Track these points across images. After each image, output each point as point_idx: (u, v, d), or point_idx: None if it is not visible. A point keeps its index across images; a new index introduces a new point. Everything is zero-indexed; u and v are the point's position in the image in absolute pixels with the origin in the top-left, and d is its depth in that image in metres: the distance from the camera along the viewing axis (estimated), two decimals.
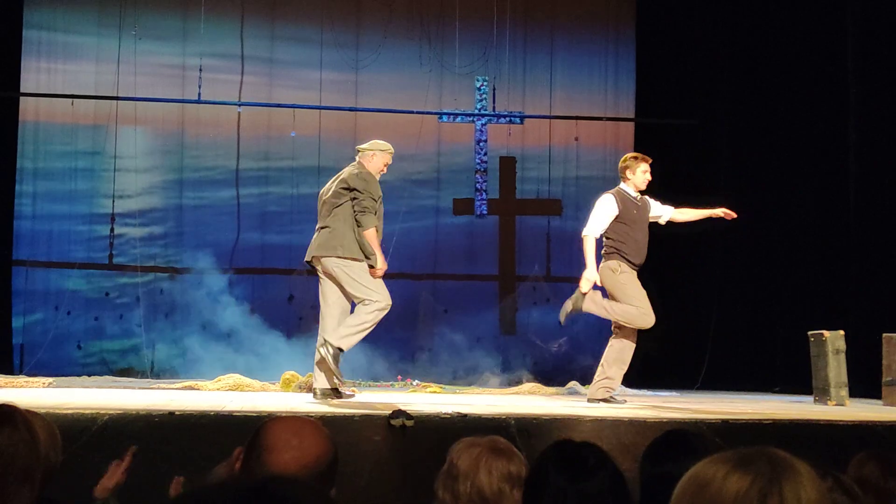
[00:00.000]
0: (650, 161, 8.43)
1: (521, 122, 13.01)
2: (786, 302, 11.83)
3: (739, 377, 11.49)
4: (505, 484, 2.77)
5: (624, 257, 8.18)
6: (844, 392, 8.93)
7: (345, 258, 7.78)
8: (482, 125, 12.99)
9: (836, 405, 8.77)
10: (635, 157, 8.46)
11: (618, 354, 8.28)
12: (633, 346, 8.30)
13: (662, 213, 8.54)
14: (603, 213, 8.29)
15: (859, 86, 11.28)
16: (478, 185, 12.91)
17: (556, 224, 12.96)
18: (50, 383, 9.40)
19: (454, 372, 11.76)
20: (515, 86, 12.97)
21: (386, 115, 12.69)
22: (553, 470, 2.54)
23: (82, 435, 5.40)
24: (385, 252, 11.35)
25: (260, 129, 12.64)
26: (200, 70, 12.41)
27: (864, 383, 9.59)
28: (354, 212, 7.79)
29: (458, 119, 12.97)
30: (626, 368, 8.34)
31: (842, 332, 9.10)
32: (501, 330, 12.73)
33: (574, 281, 12.77)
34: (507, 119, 12.99)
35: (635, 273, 8.23)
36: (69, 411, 5.83)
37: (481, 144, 12.96)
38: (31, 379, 9.63)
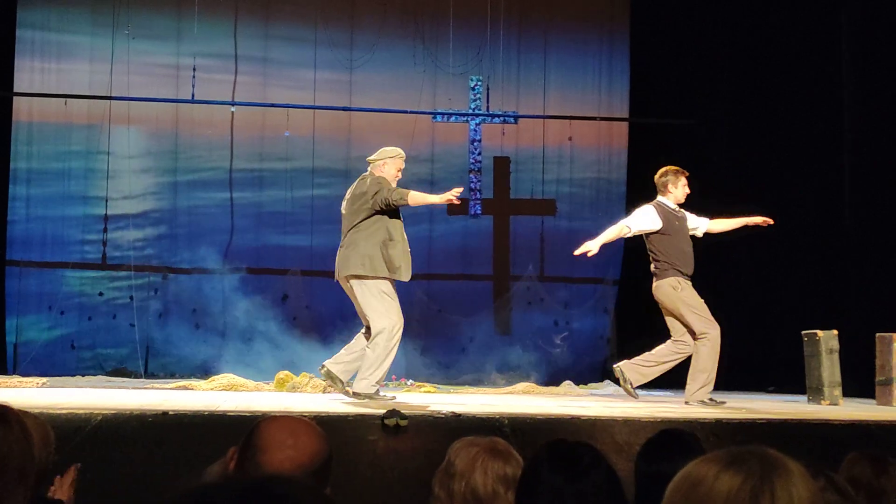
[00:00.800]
0: (688, 174, 8.51)
1: (515, 122, 13.01)
2: (780, 301, 11.84)
3: (733, 376, 11.49)
4: (500, 485, 2.76)
5: (679, 271, 8.29)
6: (838, 391, 8.94)
7: (360, 277, 7.71)
8: (476, 125, 12.99)
9: (829, 405, 8.78)
10: (676, 171, 8.56)
11: (706, 359, 8.29)
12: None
13: (699, 224, 8.67)
14: (643, 219, 8.45)
15: (854, 86, 11.29)
16: (472, 184, 12.91)
17: (550, 224, 12.97)
18: (43, 383, 9.38)
19: (448, 371, 11.77)
20: (509, 85, 12.98)
21: (380, 115, 12.69)
22: (547, 469, 2.54)
23: (76, 435, 5.40)
24: None
25: (254, 129, 12.62)
26: (194, 70, 12.40)
27: (858, 383, 9.60)
28: (391, 203, 7.69)
29: (453, 119, 12.97)
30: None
31: (835, 332, 9.12)
32: (496, 330, 12.73)
33: (569, 281, 12.87)
34: (501, 119, 12.99)
35: (690, 283, 8.28)
36: (63, 411, 5.82)
37: (475, 144, 12.96)
38: (24, 379, 9.61)
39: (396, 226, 7.79)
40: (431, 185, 12.77)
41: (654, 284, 8.40)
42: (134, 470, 5.23)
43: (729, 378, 11.44)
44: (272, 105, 12.57)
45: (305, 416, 2.56)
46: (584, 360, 12.24)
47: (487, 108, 12.95)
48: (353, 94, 12.77)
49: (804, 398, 9.27)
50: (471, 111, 12.97)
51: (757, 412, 7.39)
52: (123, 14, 12.32)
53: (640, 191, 12.80)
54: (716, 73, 12.59)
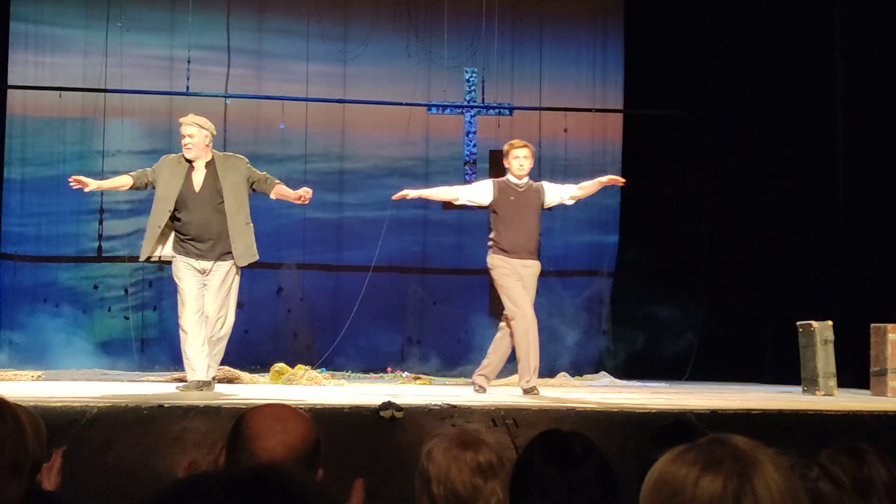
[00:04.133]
0: (526, 146, 8.38)
1: (510, 114, 12.99)
2: (775, 292, 11.85)
3: (728, 368, 11.52)
4: (477, 478, 2.71)
5: (500, 249, 8.19)
6: (833, 382, 8.97)
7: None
8: (471, 117, 12.97)
9: (824, 395, 8.80)
10: (510, 145, 8.47)
11: (496, 345, 8.31)
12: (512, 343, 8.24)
13: (563, 194, 8.46)
14: (474, 190, 8.48)
15: (848, 77, 11.30)
16: (467, 177, 12.89)
17: (546, 216, 12.94)
18: (38, 376, 9.38)
19: (444, 364, 11.77)
20: (504, 77, 12.95)
21: (374, 107, 12.66)
22: (539, 459, 2.54)
23: (71, 427, 5.40)
24: (374, 243, 11.36)
25: (248, 121, 12.60)
26: (189, 62, 12.37)
27: (853, 373, 9.63)
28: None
29: (447, 111, 12.95)
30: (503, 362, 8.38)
31: (830, 323, 9.14)
32: (491, 322, 12.72)
33: (564, 275, 12.86)
34: (496, 111, 12.97)
35: (514, 266, 8.17)
36: (58, 404, 5.82)
37: (470, 136, 12.94)
38: (19, 372, 9.60)
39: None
40: (426, 177, 12.76)
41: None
42: (129, 462, 5.23)
43: (723, 369, 11.50)
44: (266, 97, 12.55)
45: (301, 408, 2.56)
46: (580, 352, 12.24)
47: (482, 99, 12.92)
48: (346, 86, 12.74)
49: (799, 389, 9.29)
50: (465, 103, 12.95)
51: (752, 402, 7.40)
52: (116, 6, 12.28)
53: (635, 182, 12.83)
54: (710, 65, 12.59)
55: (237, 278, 7.77)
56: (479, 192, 8.37)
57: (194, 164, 7.75)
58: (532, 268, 8.22)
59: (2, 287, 12.00)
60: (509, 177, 8.36)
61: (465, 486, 2.68)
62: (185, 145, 7.74)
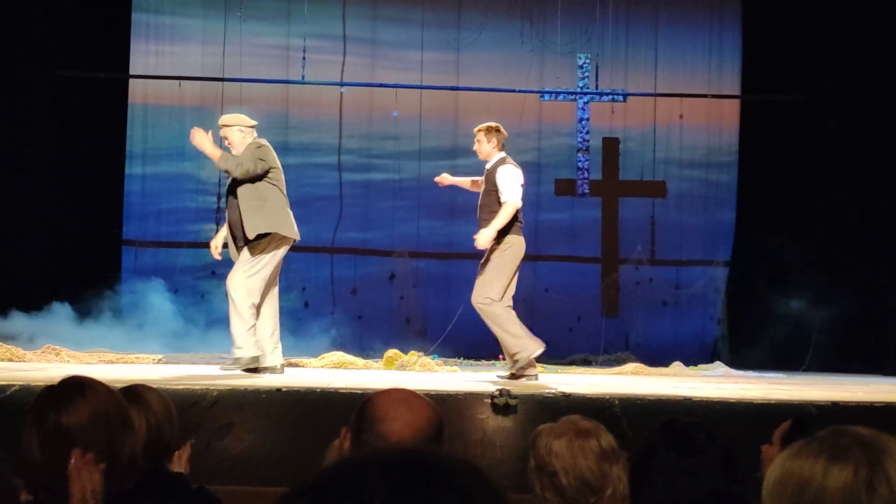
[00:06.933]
0: (479, 129, 8.39)
1: (624, 101, 12.85)
2: (893, 281, 11.53)
3: (848, 358, 11.24)
4: (604, 464, 2.73)
5: None
6: None
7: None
8: (584, 103, 12.86)
9: None
10: None
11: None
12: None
13: None
14: None
15: None
16: (580, 164, 12.80)
17: (661, 205, 12.80)
18: (159, 359, 9.60)
19: (555, 351, 11.72)
20: (618, 63, 12.80)
21: (487, 95, 12.64)
22: (662, 448, 2.52)
23: (193, 409, 5.52)
24: None
25: (362, 109, 12.71)
26: (304, 51, 12.53)
27: None
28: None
29: (560, 97, 12.87)
30: None
31: None
32: (603, 310, 12.64)
33: (678, 264, 12.71)
34: (610, 97, 12.84)
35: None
36: (180, 387, 5.95)
37: (583, 123, 12.84)
38: (141, 355, 9.84)
39: None
40: (539, 165, 12.72)
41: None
42: (247, 444, 5.33)
43: (843, 359, 11.22)
44: (380, 85, 12.63)
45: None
46: (694, 342, 12.09)
47: (596, 86, 12.81)
48: (460, 73, 12.76)
49: None
50: (579, 89, 12.85)
51: (875, 394, 7.22)
52: None
53: (752, 169, 12.60)
54: (830, 48, 12.26)
55: (251, 258, 8.35)
56: None
57: None
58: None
59: (123, 272, 12.31)
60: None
61: (593, 473, 2.68)
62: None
